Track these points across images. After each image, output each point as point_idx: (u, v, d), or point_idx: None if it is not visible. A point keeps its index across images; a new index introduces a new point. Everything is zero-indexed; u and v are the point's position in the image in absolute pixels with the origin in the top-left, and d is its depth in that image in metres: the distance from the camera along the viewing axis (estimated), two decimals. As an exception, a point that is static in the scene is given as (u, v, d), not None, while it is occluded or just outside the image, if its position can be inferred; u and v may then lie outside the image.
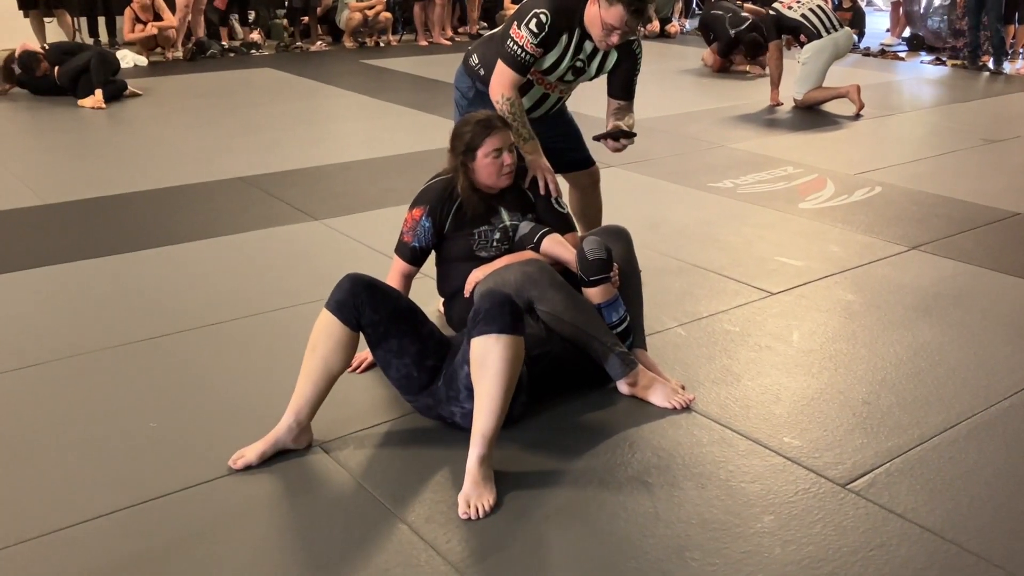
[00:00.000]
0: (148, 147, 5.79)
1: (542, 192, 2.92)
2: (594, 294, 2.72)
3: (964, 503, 2.23)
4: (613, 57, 3.04)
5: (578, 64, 3.02)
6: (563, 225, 2.96)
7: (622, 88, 3.12)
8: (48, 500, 2.21)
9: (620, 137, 3.01)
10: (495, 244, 2.83)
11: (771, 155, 5.64)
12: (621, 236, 2.97)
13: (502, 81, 2.95)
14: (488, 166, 2.75)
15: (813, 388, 2.80)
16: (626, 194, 4.84)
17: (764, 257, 3.88)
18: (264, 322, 3.21)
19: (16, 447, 2.44)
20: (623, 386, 2.69)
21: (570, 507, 2.20)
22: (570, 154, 3.42)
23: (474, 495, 2.17)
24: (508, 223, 2.86)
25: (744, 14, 8.85)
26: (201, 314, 3.25)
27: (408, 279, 2.91)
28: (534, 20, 2.90)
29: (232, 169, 5.15)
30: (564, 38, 2.95)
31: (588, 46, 3.02)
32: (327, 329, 2.36)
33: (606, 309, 2.73)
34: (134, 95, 7.31)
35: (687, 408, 2.65)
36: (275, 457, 2.37)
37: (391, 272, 2.89)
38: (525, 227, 2.87)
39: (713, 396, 2.73)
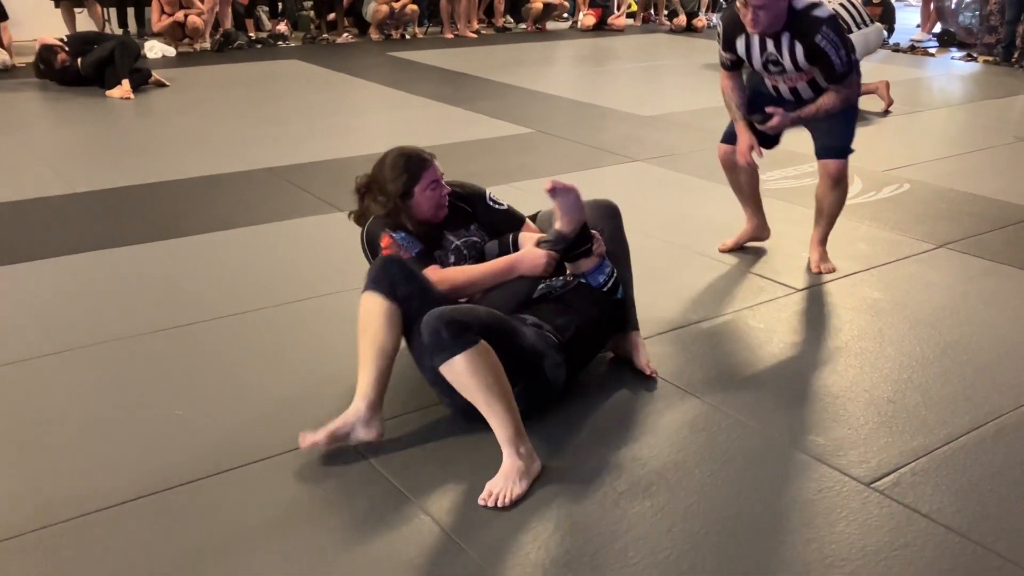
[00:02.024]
0: (176, 137, 5.83)
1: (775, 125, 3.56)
2: (580, 265, 2.72)
3: (991, 504, 2.21)
4: (799, 50, 3.38)
5: (772, 59, 3.48)
6: (509, 220, 2.88)
7: (824, 77, 3.47)
8: (74, 485, 2.23)
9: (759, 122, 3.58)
10: (452, 265, 2.77)
11: (798, 151, 5.57)
12: (610, 214, 2.91)
13: (721, 79, 3.78)
14: (428, 199, 2.71)
15: (838, 386, 2.78)
16: (651, 189, 4.83)
17: (790, 253, 3.85)
18: (290, 312, 3.22)
19: (43, 433, 2.47)
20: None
21: (587, 502, 2.20)
22: (815, 138, 3.71)
23: (498, 486, 2.20)
24: (459, 242, 2.81)
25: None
26: (227, 303, 3.27)
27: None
28: (717, 32, 3.64)
29: (259, 160, 5.18)
30: (740, 41, 3.52)
31: (769, 44, 3.43)
32: (369, 308, 2.44)
33: (591, 275, 2.72)
34: (161, 85, 7.36)
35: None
36: (296, 446, 2.38)
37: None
38: (492, 247, 2.82)
39: (736, 393, 2.72)
